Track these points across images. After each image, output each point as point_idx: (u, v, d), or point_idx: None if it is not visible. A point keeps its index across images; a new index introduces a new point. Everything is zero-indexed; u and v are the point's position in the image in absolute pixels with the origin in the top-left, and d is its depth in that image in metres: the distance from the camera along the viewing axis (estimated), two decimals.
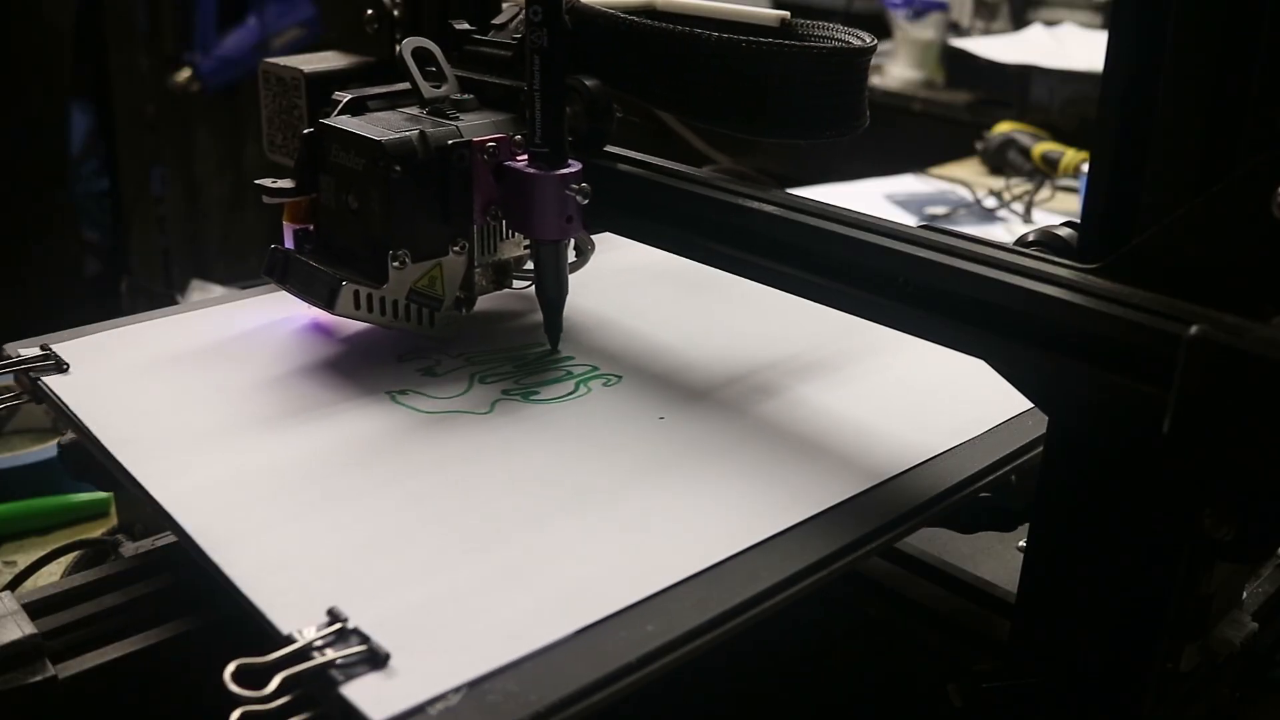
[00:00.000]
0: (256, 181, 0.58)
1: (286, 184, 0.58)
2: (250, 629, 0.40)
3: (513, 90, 0.58)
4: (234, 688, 0.35)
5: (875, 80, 1.97)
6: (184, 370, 0.58)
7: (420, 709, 0.35)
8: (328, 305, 0.55)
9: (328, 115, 0.58)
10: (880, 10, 1.98)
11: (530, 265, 0.61)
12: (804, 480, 0.48)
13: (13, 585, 0.64)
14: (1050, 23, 1.93)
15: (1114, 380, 0.38)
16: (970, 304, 0.43)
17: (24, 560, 0.73)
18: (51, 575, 0.67)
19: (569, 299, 0.60)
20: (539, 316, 0.61)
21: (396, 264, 0.55)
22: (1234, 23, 0.37)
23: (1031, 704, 0.45)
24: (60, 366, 0.58)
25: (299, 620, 0.38)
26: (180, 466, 0.49)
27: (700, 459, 0.50)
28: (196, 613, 0.49)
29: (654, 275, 0.71)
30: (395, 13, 0.65)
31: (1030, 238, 0.46)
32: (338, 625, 0.38)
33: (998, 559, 0.52)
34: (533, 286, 0.61)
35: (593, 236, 0.65)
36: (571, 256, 0.63)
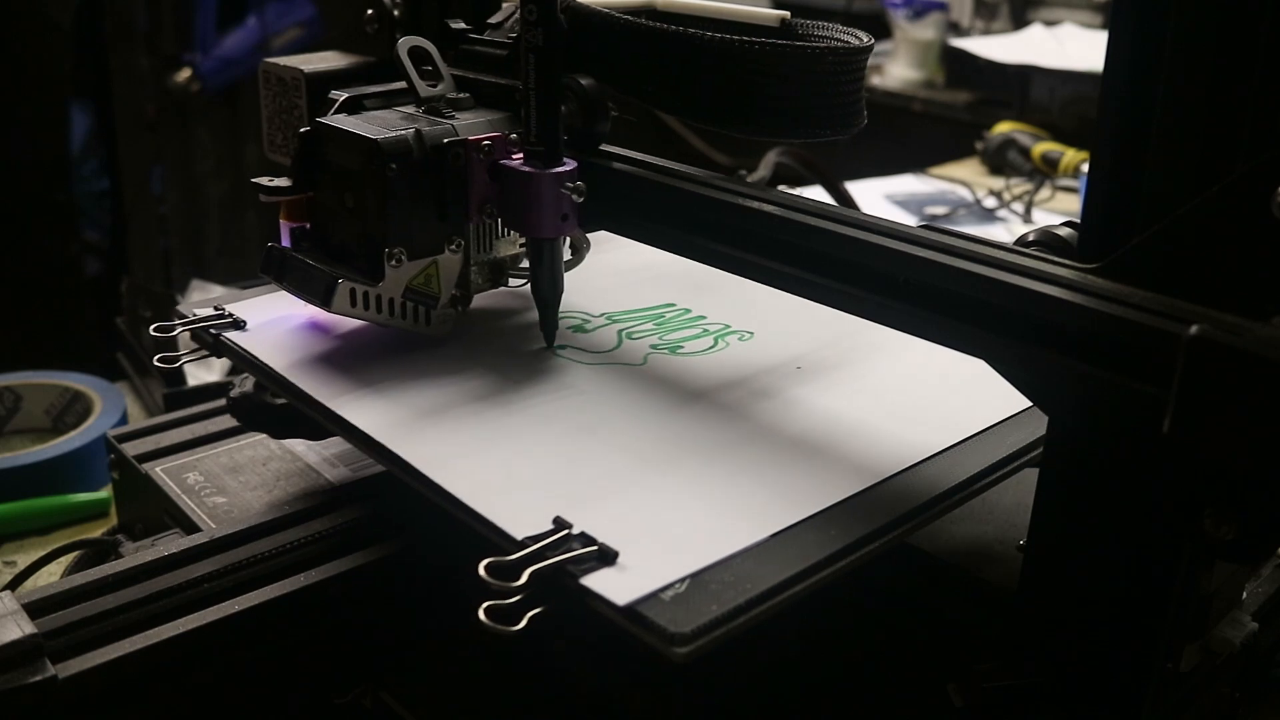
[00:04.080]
0: (254, 180, 0.58)
1: (283, 182, 0.58)
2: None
3: (508, 89, 0.58)
4: (488, 579, 0.39)
5: (875, 80, 1.97)
6: (350, 327, 0.61)
7: (654, 595, 0.39)
8: (324, 303, 0.55)
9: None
10: (880, 10, 1.98)
11: (526, 263, 0.61)
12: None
13: (13, 585, 0.65)
14: (1050, 23, 1.93)
15: (1114, 380, 0.38)
16: (970, 304, 0.43)
17: (24, 560, 0.73)
18: (51, 575, 0.67)
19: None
20: (535, 314, 0.61)
21: (393, 262, 0.55)
22: (1233, 23, 0.37)
23: (1031, 704, 0.45)
24: (238, 324, 0.61)
25: (526, 529, 0.42)
26: (371, 405, 0.53)
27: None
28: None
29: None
30: (395, 13, 0.65)
31: (1030, 238, 0.46)
32: (564, 530, 0.42)
33: (998, 559, 0.52)
34: (528, 285, 0.61)
35: (591, 235, 0.65)
36: (567, 255, 0.63)
